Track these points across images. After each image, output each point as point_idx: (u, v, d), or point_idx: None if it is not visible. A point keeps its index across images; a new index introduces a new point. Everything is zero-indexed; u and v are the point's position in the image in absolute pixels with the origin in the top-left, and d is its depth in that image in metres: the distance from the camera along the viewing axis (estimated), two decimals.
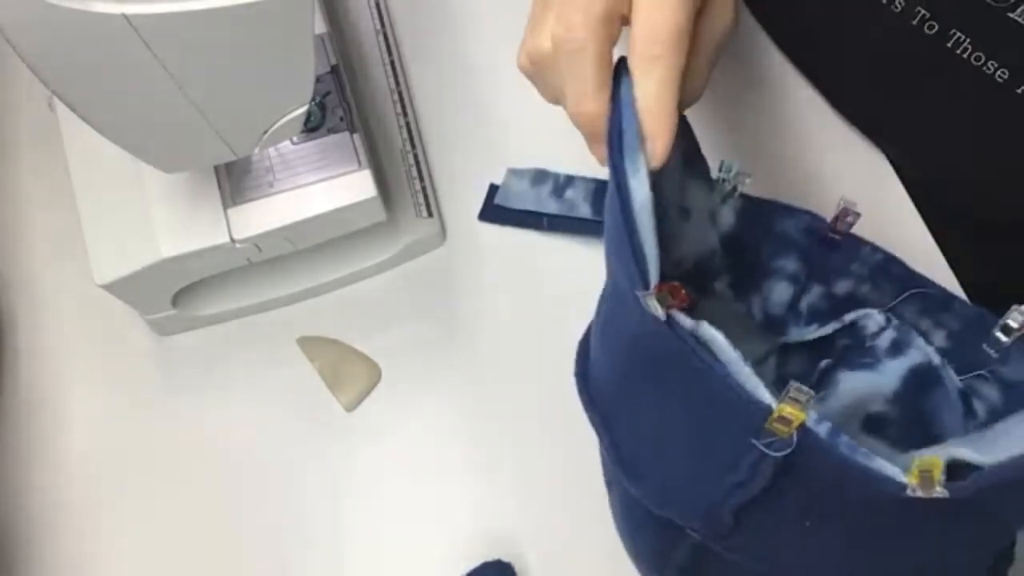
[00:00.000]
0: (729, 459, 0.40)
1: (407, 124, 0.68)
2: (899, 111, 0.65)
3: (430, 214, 0.66)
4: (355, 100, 0.62)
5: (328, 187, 0.58)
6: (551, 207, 0.67)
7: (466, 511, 0.61)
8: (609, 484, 0.57)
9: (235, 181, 0.58)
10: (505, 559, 0.59)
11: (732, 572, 0.47)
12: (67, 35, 0.41)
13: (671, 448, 0.43)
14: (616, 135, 0.42)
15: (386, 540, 0.61)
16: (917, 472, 0.36)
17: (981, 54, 0.57)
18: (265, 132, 0.50)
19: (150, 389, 0.65)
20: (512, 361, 0.64)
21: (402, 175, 0.67)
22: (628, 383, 0.44)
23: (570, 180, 0.67)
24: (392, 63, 0.70)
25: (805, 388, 0.36)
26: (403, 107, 0.68)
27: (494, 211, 0.68)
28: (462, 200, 0.69)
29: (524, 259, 0.67)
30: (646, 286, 0.39)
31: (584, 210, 0.66)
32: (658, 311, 0.38)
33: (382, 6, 0.72)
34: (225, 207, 0.58)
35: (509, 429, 0.62)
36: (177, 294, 0.62)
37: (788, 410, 0.36)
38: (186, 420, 0.64)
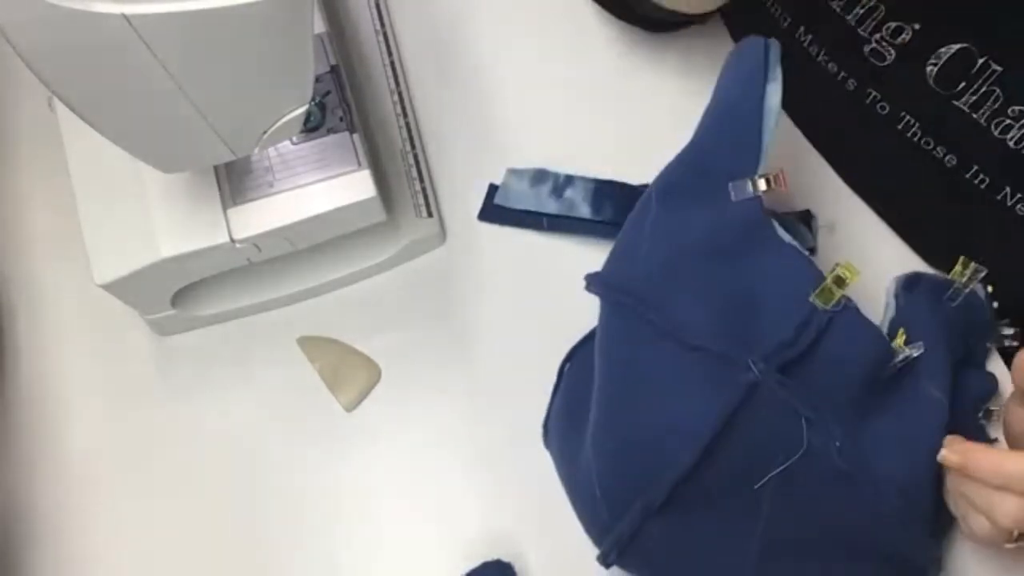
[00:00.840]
0: (781, 320, 0.49)
1: (407, 124, 0.68)
2: (861, 183, 0.66)
3: (430, 214, 0.66)
4: (355, 100, 0.62)
5: (328, 187, 0.58)
6: (551, 207, 0.67)
7: (466, 511, 0.61)
8: (560, 433, 0.58)
9: (235, 181, 0.58)
10: (505, 559, 0.59)
11: (767, 432, 0.49)
12: (67, 35, 0.41)
13: (730, 312, 0.50)
14: (762, 52, 0.53)
15: (386, 540, 0.61)
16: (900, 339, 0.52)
17: (930, 139, 0.57)
18: (265, 132, 0.50)
19: (150, 389, 0.65)
20: (512, 361, 0.64)
21: (402, 175, 0.67)
22: (695, 264, 0.52)
23: (570, 180, 0.67)
24: (392, 63, 0.70)
25: (851, 265, 0.49)
26: (403, 107, 0.68)
27: (494, 211, 0.68)
28: (462, 200, 0.68)
29: (524, 259, 0.67)
30: (754, 170, 0.51)
31: (584, 210, 0.66)
32: (762, 187, 0.50)
33: (382, 6, 0.72)
34: (225, 207, 0.58)
35: (509, 429, 0.62)
36: (177, 294, 0.62)
37: (845, 271, 0.48)
38: (186, 420, 0.64)
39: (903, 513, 0.50)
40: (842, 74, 0.60)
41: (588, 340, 0.60)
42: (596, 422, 0.54)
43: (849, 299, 0.49)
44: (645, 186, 0.59)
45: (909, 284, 0.60)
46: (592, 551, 0.58)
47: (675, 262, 0.53)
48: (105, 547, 0.62)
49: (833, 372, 0.49)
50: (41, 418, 0.65)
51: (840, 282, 0.49)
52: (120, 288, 0.58)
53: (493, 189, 0.68)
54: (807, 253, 0.51)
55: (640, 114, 0.69)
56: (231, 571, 0.61)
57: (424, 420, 0.63)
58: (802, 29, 0.62)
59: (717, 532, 0.51)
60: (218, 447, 0.64)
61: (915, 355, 0.52)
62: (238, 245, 0.58)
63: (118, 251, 0.58)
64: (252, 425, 0.64)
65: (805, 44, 0.62)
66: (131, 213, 0.58)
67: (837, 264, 0.49)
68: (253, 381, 0.65)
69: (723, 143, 0.54)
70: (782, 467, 0.49)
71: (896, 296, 0.60)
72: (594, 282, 0.56)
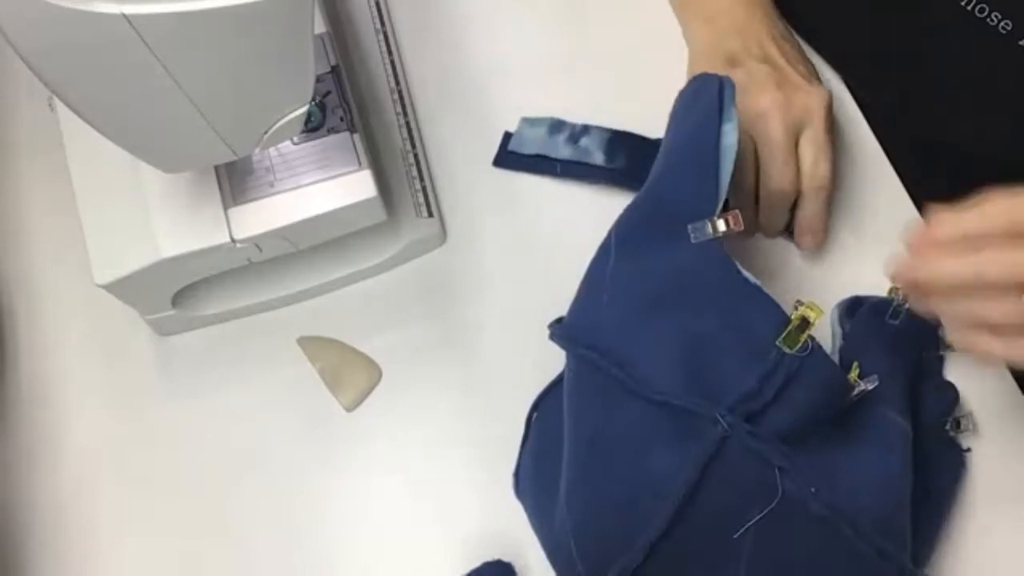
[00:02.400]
0: (746, 369, 0.48)
1: (407, 124, 0.68)
2: (901, 62, 0.65)
3: (430, 214, 0.66)
4: (355, 100, 0.62)
5: (328, 187, 0.58)
6: (565, 153, 0.68)
7: (466, 511, 0.61)
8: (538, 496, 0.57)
9: (235, 181, 0.58)
10: (505, 559, 0.59)
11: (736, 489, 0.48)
12: (67, 35, 0.41)
13: (693, 364, 0.49)
14: (717, 96, 0.53)
15: (386, 540, 0.61)
16: (854, 373, 0.52)
17: (985, 5, 0.56)
18: (265, 132, 0.50)
19: (150, 389, 0.65)
20: (512, 361, 0.64)
21: (402, 175, 0.67)
22: (657, 313, 0.51)
23: (586, 129, 0.68)
24: (392, 63, 0.70)
25: (814, 304, 0.48)
26: (403, 107, 0.68)
27: (508, 158, 0.69)
28: (462, 200, 0.68)
29: (524, 259, 0.67)
30: (713, 211, 0.50)
31: (598, 158, 0.67)
32: (721, 228, 0.50)
33: (382, 6, 0.72)
34: (225, 207, 0.58)
35: (509, 428, 0.62)
36: (177, 294, 0.62)
37: (809, 311, 0.47)
38: (186, 420, 0.64)
39: (883, 548, 0.49)
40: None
41: (553, 388, 0.60)
42: (568, 480, 0.53)
43: (813, 339, 0.48)
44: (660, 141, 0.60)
45: (850, 309, 0.60)
46: None
47: (636, 312, 0.52)
48: (105, 546, 0.62)
49: (799, 415, 0.49)
50: (41, 418, 0.65)
51: (805, 324, 0.48)
52: (120, 288, 0.58)
53: (507, 137, 0.69)
54: (768, 292, 0.50)
55: (643, 107, 0.69)
56: (230, 569, 0.61)
57: (424, 420, 0.63)
58: None
59: None
60: (218, 447, 0.64)
61: (870, 388, 0.51)
62: (238, 245, 0.58)
63: (118, 251, 0.58)
64: (252, 425, 0.64)
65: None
66: (131, 213, 0.58)
67: (799, 302, 0.48)
68: (253, 381, 0.65)
69: (680, 186, 0.53)
70: (759, 516, 0.48)
71: (841, 324, 0.60)
72: (557, 334, 0.56)
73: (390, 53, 0.70)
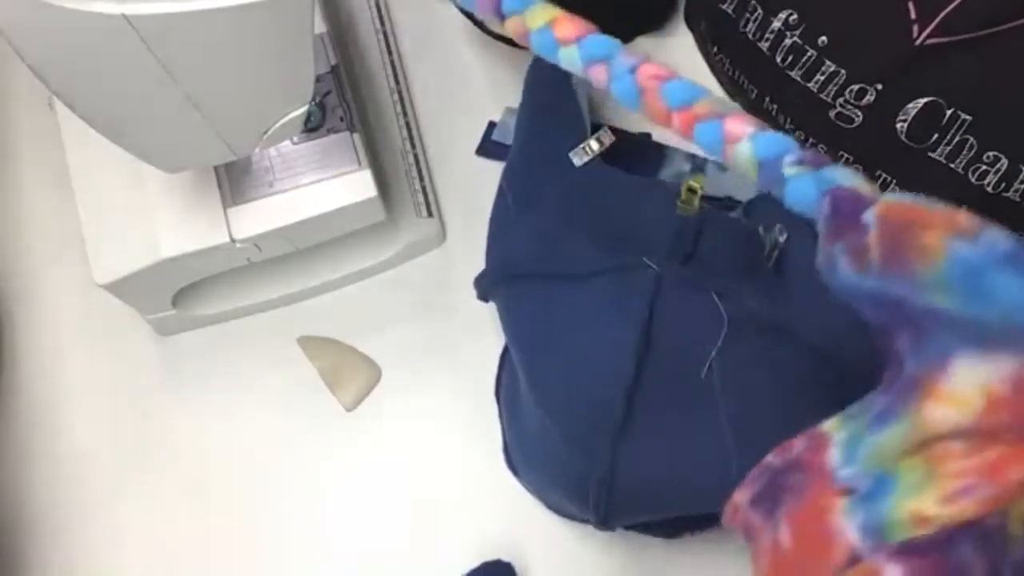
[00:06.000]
0: (659, 236, 0.53)
1: (407, 124, 0.68)
2: None
3: (430, 214, 0.66)
4: (355, 100, 0.62)
5: (328, 187, 0.58)
6: None
7: (466, 511, 0.61)
8: (514, 398, 0.59)
9: (235, 181, 0.58)
10: (505, 559, 0.59)
11: (687, 313, 0.51)
12: (67, 35, 0.41)
13: (610, 239, 0.54)
14: None
15: (386, 540, 0.61)
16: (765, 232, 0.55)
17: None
18: (265, 132, 0.50)
19: (150, 389, 0.65)
20: None
21: (402, 175, 0.67)
22: (566, 219, 0.56)
23: None
24: (392, 63, 0.70)
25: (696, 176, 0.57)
26: (403, 107, 0.68)
27: (492, 147, 0.69)
28: (462, 200, 0.69)
29: None
30: (584, 136, 0.57)
31: None
32: (596, 148, 0.57)
33: (382, 6, 0.72)
34: (225, 207, 0.58)
35: None
36: (177, 294, 0.62)
37: (692, 182, 0.53)
38: (186, 420, 0.64)
39: (840, 344, 0.50)
40: (811, 140, 0.60)
41: (504, 357, 0.62)
42: (537, 394, 0.54)
43: (708, 206, 0.54)
44: (646, 135, 0.63)
45: (746, 209, 0.62)
46: (591, 551, 0.58)
47: (546, 228, 0.56)
48: (105, 547, 0.62)
49: (719, 265, 0.52)
50: (41, 418, 0.65)
51: (693, 189, 0.53)
52: (120, 288, 0.58)
53: (491, 126, 0.69)
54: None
55: None
56: (230, 570, 0.61)
57: (424, 420, 0.64)
58: (768, 99, 0.62)
59: (686, 433, 0.52)
60: (218, 447, 0.64)
61: (783, 239, 0.54)
62: (238, 245, 0.58)
63: (118, 251, 0.58)
64: (252, 425, 0.64)
65: (772, 113, 0.63)
66: (131, 213, 0.58)
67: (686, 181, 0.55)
68: (253, 381, 0.65)
69: (552, 126, 0.59)
70: (716, 347, 0.50)
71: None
72: (480, 281, 0.58)
73: (390, 53, 0.70)
